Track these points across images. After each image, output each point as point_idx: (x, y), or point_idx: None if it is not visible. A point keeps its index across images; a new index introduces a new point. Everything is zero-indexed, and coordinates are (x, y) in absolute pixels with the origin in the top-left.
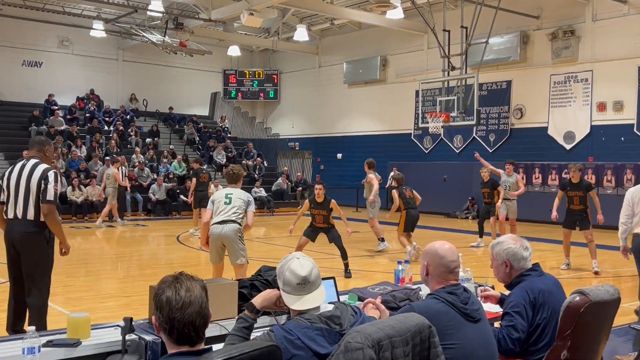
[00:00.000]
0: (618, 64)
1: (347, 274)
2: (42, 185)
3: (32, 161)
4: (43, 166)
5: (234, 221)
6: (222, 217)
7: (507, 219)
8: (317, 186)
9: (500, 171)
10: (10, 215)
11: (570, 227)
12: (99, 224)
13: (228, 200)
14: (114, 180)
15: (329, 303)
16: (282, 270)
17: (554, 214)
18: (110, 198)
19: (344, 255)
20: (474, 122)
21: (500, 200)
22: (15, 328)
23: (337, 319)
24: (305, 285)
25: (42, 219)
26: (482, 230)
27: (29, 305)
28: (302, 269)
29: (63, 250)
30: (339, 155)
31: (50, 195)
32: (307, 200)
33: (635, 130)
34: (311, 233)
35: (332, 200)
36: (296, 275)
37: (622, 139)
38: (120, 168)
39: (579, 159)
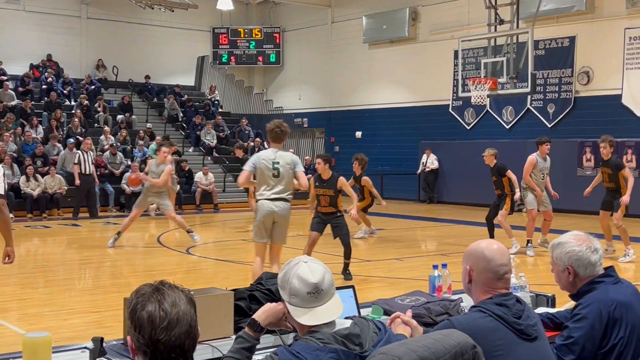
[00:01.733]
0: None
1: (347, 275)
2: None
3: None
4: None
5: (286, 200)
6: (273, 193)
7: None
8: (317, 160)
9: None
10: None
11: (605, 208)
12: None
13: (276, 172)
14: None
15: (346, 318)
16: (287, 277)
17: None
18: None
19: (347, 254)
20: (528, 90)
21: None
22: None
23: (356, 338)
24: (317, 294)
25: None
26: (492, 229)
27: None
28: (312, 275)
29: (9, 256)
30: (358, 134)
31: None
32: (311, 178)
33: None
34: (318, 224)
35: (341, 178)
36: (306, 283)
37: None
38: (82, 153)
39: None
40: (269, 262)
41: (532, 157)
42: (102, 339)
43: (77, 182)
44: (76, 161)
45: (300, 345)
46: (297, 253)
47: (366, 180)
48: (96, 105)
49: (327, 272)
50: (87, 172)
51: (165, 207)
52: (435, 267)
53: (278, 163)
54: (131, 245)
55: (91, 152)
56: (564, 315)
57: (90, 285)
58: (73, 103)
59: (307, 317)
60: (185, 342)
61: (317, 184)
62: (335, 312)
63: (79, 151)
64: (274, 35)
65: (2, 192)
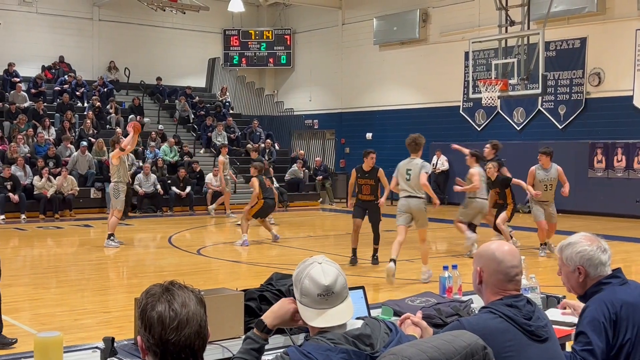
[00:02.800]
0: None
1: (374, 260)
2: None
3: None
4: None
5: (417, 197)
6: (406, 192)
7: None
8: (371, 154)
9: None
10: None
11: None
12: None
13: (408, 177)
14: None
15: (357, 318)
16: (300, 277)
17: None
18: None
19: (377, 240)
20: (539, 91)
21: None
22: None
23: (367, 339)
24: (328, 297)
25: None
26: (504, 232)
27: None
28: (324, 277)
29: None
30: (369, 135)
31: None
32: (354, 170)
33: None
34: (361, 211)
35: (380, 169)
36: (317, 285)
37: None
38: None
39: None
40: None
41: (532, 169)
42: (113, 338)
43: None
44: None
45: (311, 345)
46: (306, 254)
47: (381, 172)
48: (108, 106)
49: (340, 274)
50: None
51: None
52: (445, 268)
53: (411, 170)
54: (142, 246)
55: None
56: None
57: (101, 285)
58: (85, 105)
59: (316, 319)
60: (195, 343)
61: (359, 175)
62: (345, 316)
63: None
64: (285, 37)
65: None
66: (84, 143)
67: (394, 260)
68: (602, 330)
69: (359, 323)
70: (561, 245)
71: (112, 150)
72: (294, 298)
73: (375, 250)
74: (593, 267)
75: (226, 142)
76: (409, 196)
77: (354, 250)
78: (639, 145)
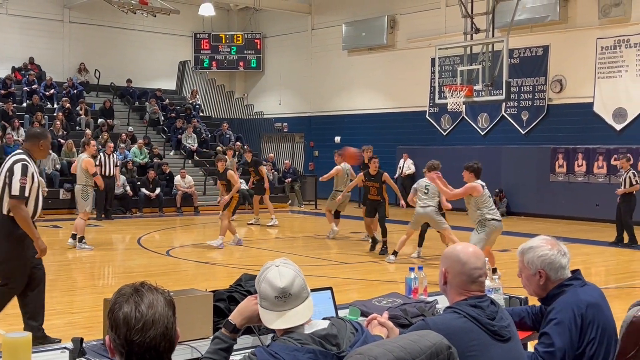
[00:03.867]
0: None
1: (383, 251)
2: (7, 179)
3: (14, 152)
4: (14, 158)
5: (431, 206)
6: (423, 202)
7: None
8: (375, 160)
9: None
10: None
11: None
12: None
13: (426, 191)
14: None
15: (324, 319)
16: (259, 281)
17: None
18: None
19: (384, 233)
20: (502, 97)
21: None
22: None
23: (333, 339)
24: (286, 298)
25: (4, 211)
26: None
27: None
28: (281, 279)
29: (37, 251)
30: (337, 139)
31: (14, 190)
32: (361, 174)
33: None
34: (369, 210)
35: (385, 173)
36: (273, 287)
37: None
38: (104, 156)
39: (632, 141)
40: None
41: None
42: (81, 339)
43: (101, 184)
44: (97, 163)
45: (278, 345)
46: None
47: (386, 175)
48: (78, 108)
49: (298, 276)
50: (109, 174)
51: None
52: (411, 269)
53: (429, 185)
54: (111, 247)
55: (114, 155)
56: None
57: (70, 286)
58: (55, 106)
59: (275, 321)
60: (160, 344)
61: (366, 178)
62: (303, 317)
63: (100, 153)
64: (255, 41)
65: (17, 194)
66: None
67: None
68: (566, 332)
69: (326, 323)
70: (522, 249)
71: (83, 152)
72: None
73: (384, 242)
74: (554, 270)
75: (195, 145)
76: (425, 205)
77: (373, 238)
78: (598, 150)
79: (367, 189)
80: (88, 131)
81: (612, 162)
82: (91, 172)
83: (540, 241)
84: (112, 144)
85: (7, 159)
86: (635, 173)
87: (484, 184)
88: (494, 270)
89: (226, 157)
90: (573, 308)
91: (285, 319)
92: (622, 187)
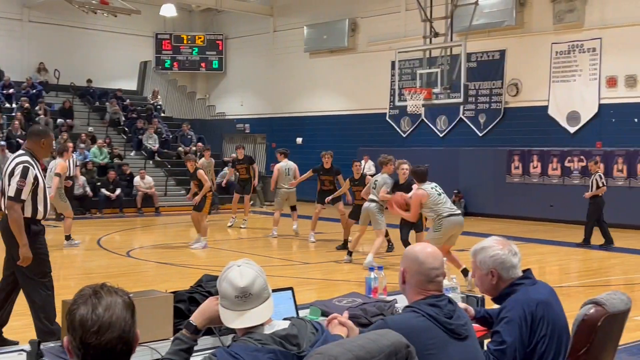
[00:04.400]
0: (631, 31)
1: (390, 248)
2: (7, 179)
3: (18, 153)
4: (17, 160)
5: (374, 202)
6: (369, 198)
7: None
8: (356, 163)
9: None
10: (2, 207)
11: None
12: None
13: (374, 186)
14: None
15: (284, 319)
16: (220, 280)
17: None
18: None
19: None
20: (460, 100)
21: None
22: None
23: (293, 339)
24: (246, 298)
25: (24, 214)
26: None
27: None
28: (241, 279)
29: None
30: (299, 140)
31: (11, 191)
32: (348, 179)
33: None
34: (355, 213)
35: (368, 176)
36: (234, 287)
37: (636, 120)
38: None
39: (585, 143)
40: None
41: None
42: (39, 341)
43: (69, 184)
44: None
45: (239, 346)
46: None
47: (368, 178)
48: (37, 108)
49: (259, 276)
50: (69, 175)
51: None
52: (371, 269)
53: (377, 180)
54: (71, 248)
55: (74, 155)
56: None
57: None
58: (13, 106)
59: (234, 320)
60: (117, 347)
61: (352, 183)
62: (263, 317)
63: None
64: (217, 42)
65: (12, 195)
66: (3, 143)
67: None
68: (516, 330)
69: (286, 324)
70: (474, 249)
71: (59, 157)
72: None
73: (389, 241)
74: (505, 270)
75: (156, 145)
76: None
77: (346, 241)
78: (553, 152)
79: (353, 193)
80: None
81: (566, 163)
82: (55, 172)
83: (492, 241)
84: (72, 144)
85: (11, 159)
86: (602, 176)
87: (433, 184)
88: (465, 273)
89: (194, 157)
90: (523, 306)
91: (245, 318)
92: (590, 189)
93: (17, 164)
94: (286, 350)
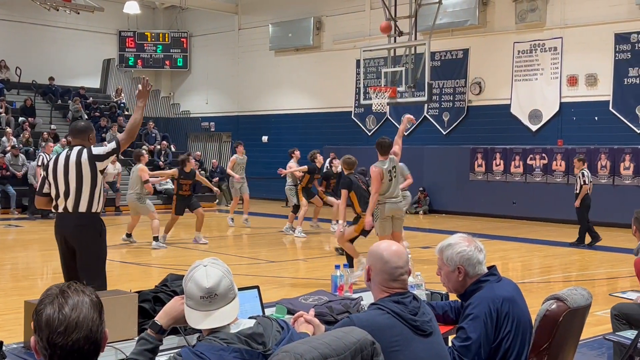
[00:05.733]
0: (592, 31)
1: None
2: (99, 158)
3: (76, 149)
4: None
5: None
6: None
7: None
8: (334, 161)
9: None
10: (61, 209)
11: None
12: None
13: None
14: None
15: (250, 318)
16: (186, 280)
17: None
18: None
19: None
20: (425, 99)
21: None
22: None
23: (259, 337)
24: (212, 299)
25: (93, 210)
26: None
27: None
28: (207, 280)
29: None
30: (265, 138)
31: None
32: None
33: (610, 108)
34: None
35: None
36: (199, 287)
37: (596, 118)
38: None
39: (547, 141)
40: None
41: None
42: (1, 342)
43: (151, 189)
44: (39, 163)
45: (204, 345)
46: (202, 254)
47: None
48: None
49: (225, 277)
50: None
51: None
52: (337, 267)
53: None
54: (34, 248)
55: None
56: (441, 305)
57: None
58: None
59: (200, 321)
60: (84, 347)
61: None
62: (229, 318)
63: (42, 154)
64: (182, 40)
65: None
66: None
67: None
68: (482, 326)
69: (252, 322)
70: (441, 246)
71: (138, 162)
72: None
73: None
74: (472, 266)
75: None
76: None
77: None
78: (515, 150)
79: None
80: (8, 129)
81: (528, 161)
82: (143, 179)
83: (458, 238)
84: (52, 144)
85: (73, 156)
86: (585, 173)
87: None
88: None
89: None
90: (489, 303)
91: (211, 319)
92: (575, 188)
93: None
94: (252, 349)
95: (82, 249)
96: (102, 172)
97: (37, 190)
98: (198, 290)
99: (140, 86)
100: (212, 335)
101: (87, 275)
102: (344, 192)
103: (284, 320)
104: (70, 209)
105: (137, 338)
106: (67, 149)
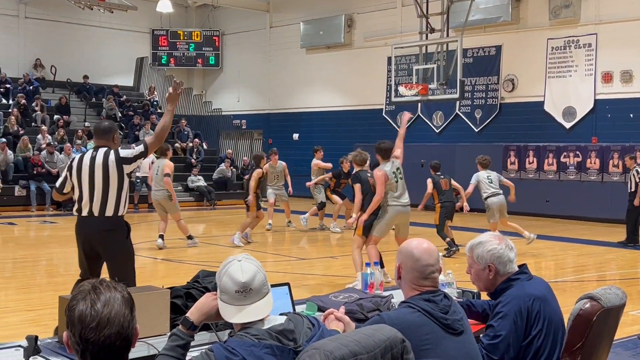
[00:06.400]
0: (627, 27)
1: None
2: (127, 161)
3: (102, 150)
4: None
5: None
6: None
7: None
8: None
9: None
10: (85, 212)
11: None
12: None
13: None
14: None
15: (281, 314)
16: (220, 275)
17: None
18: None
19: None
20: (456, 96)
21: None
22: None
23: (290, 334)
24: (246, 293)
25: (120, 213)
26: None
27: None
28: (242, 274)
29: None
30: (296, 136)
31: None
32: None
33: None
34: None
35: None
36: (235, 282)
37: (631, 115)
38: None
39: (581, 139)
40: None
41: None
42: (36, 337)
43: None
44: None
45: (235, 341)
46: (233, 251)
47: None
48: (34, 104)
49: (259, 272)
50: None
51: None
52: (367, 265)
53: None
54: (68, 244)
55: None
56: (480, 304)
57: (25, 283)
58: (10, 102)
59: (235, 315)
60: (115, 343)
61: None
62: (263, 312)
63: (60, 154)
64: (214, 38)
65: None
66: (3, 140)
67: None
68: (511, 324)
69: (283, 319)
70: (471, 245)
71: (163, 157)
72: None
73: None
74: (502, 264)
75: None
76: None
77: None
78: (549, 148)
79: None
80: (44, 127)
81: (562, 159)
82: (164, 172)
83: (489, 236)
84: (69, 145)
85: (99, 157)
86: (639, 170)
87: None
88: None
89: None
90: (519, 301)
91: (245, 313)
92: (629, 186)
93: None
94: (283, 345)
95: (111, 254)
96: (129, 175)
97: (57, 187)
98: (233, 285)
99: (170, 89)
100: (243, 330)
101: (119, 278)
102: (356, 186)
103: (314, 317)
104: (96, 213)
105: (169, 334)
106: (92, 150)
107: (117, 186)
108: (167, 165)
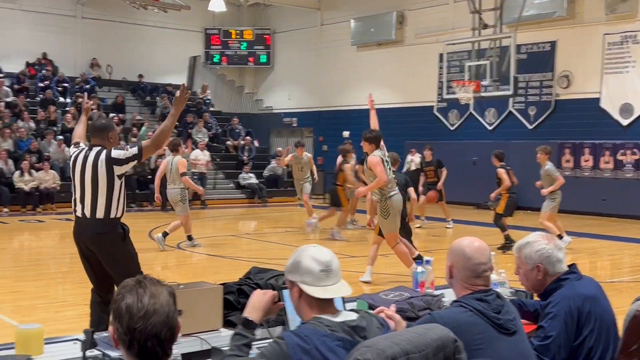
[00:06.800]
0: None
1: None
2: (117, 162)
3: (95, 149)
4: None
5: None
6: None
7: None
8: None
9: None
10: (79, 213)
11: None
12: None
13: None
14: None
15: (351, 310)
16: (299, 259)
17: None
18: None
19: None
20: (510, 93)
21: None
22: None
23: (362, 331)
24: (329, 273)
25: (112, 216)
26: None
27: None
28: (323, 255)
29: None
30: (346, 133)
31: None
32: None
33: None
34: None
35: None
36: (319, 261)
37: None
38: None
39: (638, 136)
40: None
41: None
42: (93, 330)
43: (193, 186)
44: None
45: (309, 329)
46: (284, 248)
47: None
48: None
49: (334, 257)
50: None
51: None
52: (419, 263)
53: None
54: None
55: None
56: (532, 303)
57: (82, 278)
58: (68, 100)
59: (320, 292)
60: (162, 331)
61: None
62: (345, 291)
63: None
64: (265, 36)
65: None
66: (60, 137)
67: None
68: (561, 325)
69: (355, 315)
70: (519, 245)
71: (174, 153)
72: (269, 290)
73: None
74: (551, 264)
75: (206, 139)
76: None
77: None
78: (605, 145)
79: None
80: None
81: (619, 157)
82: (180, 172)
83: (537, 236)
84: (124, 143)
85: (91, 157)
86: None
87: (385, 152)
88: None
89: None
90: (569, 301)
91: (329, 291)
92: None
93: (108, 153)
94: (354, 340)
95: (107, 257)
96: (119, 177)
97: None
98: (317, 264)
99: (178, 92)
100: (315, 320)
101: (122, 279)
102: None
103: (382, 318)
104: (88, 214)
105: (232, 334)
106: (87, 149)
107: (106, 187)
108: (180, 163)
